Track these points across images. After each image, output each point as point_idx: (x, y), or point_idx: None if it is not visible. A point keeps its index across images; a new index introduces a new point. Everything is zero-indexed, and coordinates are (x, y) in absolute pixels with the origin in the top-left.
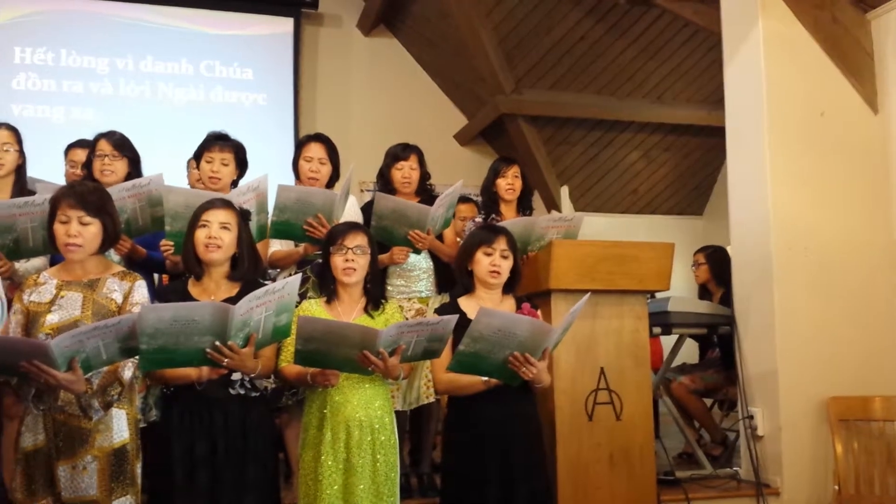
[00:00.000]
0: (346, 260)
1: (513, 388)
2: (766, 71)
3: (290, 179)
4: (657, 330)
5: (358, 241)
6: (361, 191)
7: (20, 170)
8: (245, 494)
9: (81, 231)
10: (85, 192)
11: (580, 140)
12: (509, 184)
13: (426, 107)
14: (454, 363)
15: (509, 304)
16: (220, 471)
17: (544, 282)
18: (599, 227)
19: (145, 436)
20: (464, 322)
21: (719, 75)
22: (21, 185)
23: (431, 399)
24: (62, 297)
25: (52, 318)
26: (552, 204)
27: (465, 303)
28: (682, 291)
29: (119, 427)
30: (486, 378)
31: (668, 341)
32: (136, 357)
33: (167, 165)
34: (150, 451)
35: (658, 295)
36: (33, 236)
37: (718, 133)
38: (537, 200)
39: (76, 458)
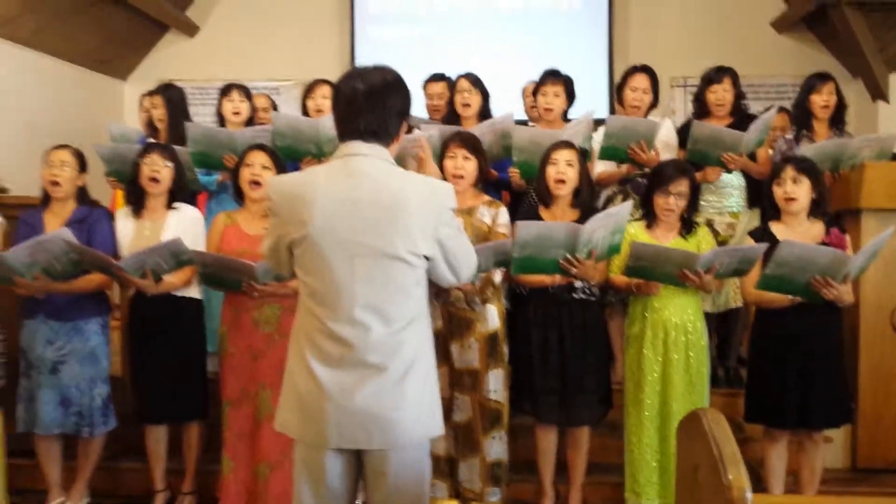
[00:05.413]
0: (668, 203)
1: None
2: None
3: (603, 83)
4: None
5: (681, 188)
6: (672, 86)
7: None
8: (586, 375)
9: (464, 165)
10: (466, 136)
11: None
12: (824, 101)
13: None
14: (761, 283)
15: (817, 228)
16: (567, 356)
17: (854, 200)
18: None
19: None
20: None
21: None
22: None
23: (739, 304)
24: None
25: None
26: (878, 93)
27: (775, 227)
28: None
29: (492, 318)
30: (791, 296)
31: None
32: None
33: (497, 74)
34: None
35: None
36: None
37: None
38: (861, 91)
39: (463, 338)
